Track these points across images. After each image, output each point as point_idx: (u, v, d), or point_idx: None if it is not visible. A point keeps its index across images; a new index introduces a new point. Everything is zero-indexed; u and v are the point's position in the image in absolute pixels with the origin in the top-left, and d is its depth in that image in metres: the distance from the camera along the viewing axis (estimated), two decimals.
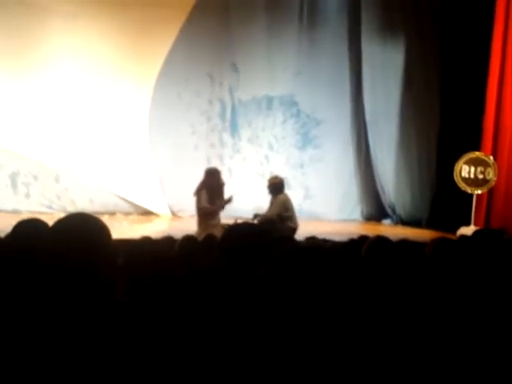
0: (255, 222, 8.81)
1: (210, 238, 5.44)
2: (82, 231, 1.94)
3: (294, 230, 8.85)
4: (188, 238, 5.42)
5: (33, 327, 1.84)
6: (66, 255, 1.88)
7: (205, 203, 8.78)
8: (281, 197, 9.14)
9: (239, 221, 8.03)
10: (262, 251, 2.01)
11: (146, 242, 5.04)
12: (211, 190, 8.90)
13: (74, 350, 1.80)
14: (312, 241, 6.05)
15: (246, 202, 11.67)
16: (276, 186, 9.20)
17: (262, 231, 2.09)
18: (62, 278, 1.88)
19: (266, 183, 9.52)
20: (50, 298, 1.87)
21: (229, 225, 2.28)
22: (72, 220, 1.98)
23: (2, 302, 2.05)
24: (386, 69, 12.58)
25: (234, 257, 2.00)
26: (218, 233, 7.47)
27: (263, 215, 9.12)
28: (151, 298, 2.54)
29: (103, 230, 1.99)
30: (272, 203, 9.18)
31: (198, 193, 8.92)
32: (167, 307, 2.17)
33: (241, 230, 2.13)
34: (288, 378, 1.84)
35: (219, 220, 8.96)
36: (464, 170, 11.20)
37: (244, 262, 1.98)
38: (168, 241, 5.78)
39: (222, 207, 9.03)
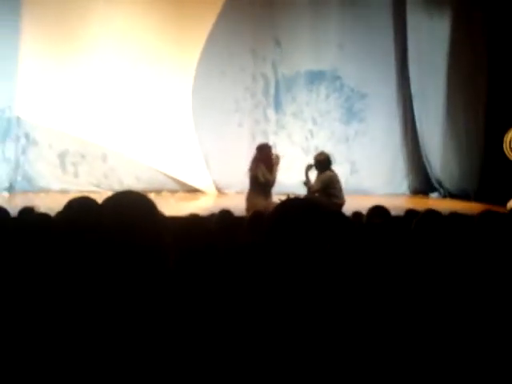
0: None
1: (258, 214, 5.44)
2: (131, 207, 1.99)
3: (340, 206, 8.80)
4: (224, 213, 5.50)
5: (88, 297, 1.90)
6: (117, 230, 1.93)
7: (264, 175, 8.83)
8: (327, 173, 9.10)
9: (292, 196, 8.05)
10: (314, 226, 2.00)
11: (193, 218, 5.07)
12: (266, 164, 8.95)
13: (129, 314, 1.85)
14: (358, 216, 5.99)
15: (292, 177, 11.64)
16: (322, 163, 9.16)
17: (315, 206, 2.07)
18: (113, 250, 1.93)
19: (311, 159, 9.47)
20: (103, 272, 1.92)
21: (281, 200, 2.27)
22: (121, 197, 2.03)
23: (55, 276, 2.11)
24: (431, 41, 12.38)
25: (285, 231, 1.99)
26: (268, 208, 7.51)
27: (307, 191, 9.09)
28: (198, 268, 2.56)
29: (152, 206, 2.03)
30: (317, 179, 9.15)
31: (255, 166, 8.95)
32: (212, 277, 2.19)
33: (294, 204, 2.11)
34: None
35: (271, 196, 8.98)
36: None
37: (295, 236, 1.98)
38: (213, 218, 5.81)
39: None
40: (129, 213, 1.97)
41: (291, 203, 2.15)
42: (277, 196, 9.19)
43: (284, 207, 2.10)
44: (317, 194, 8.99)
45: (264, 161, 8.99)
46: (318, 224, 2.00)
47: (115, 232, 1.95)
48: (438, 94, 12.45)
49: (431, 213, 2.89)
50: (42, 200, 9.94)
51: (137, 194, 2.06)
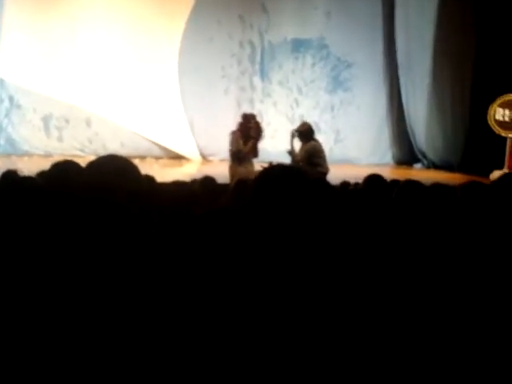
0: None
1: (240, 183, 5.43)
2: (115, 169, 2.01)
3: (324, 174, 8.80)
4: (207, 179, 5.50)
5: (72, 256, 1.92)
6: (101, 191, 1.95)
7: (236, 145, 8.75)
8: (310, 143, 9.09)
9: (274, 163, 8.01)
10: (297, 192, 2.00)
11: (176, 183, 5.07)
12: (244, 133, 8.87)
13: (112, 279, 1.87)
14: (345, 185, 6.01)
15: (277, 146, 11.63)
16: (305, 133, 9.14)
17: (298, 172, 2.07)
18: (98, 212, 1.95)
19: (294, 128, 9.44)
20: (86, 230, 1.95)
21: (264, 167, 2.27)
22: (105, 160, 2.05)
23: (39, 239, 2.13)
24: (419, 11, 12.34)
25: (268, 196, 1.99)
26: (248, 177, 7.47)
27: (291, 161, 9.08)
28: (179, 232, 2.57)
29: (135, 169, 2.05)
30: (301, 149, 9.14)
31: (232, 136, 8.89)
32: (193, 242, 2.20)
33: (277, 171, 2.11)
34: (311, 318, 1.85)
35: (252, 165, 8.94)
36: (498, 112, 11.02)
37: (279, 202, 1.98)
38: (193, 183, 5.82)
39: (254, 153, 8.99)
40: (112, 175, 1.99)
41: (274, 170, 2.15)
42: (260, 164, 9.16)
43: (267, 174, 2.10)
44: (301, 164, 8.99)
45: (242, 130, 8.92)
46: (302, 190, 2.00)
47: (98, 193, 1.97)
48: (425, 66, 12.43)
49: (412, 183, 2.90)
50: (25, 164, 9.87)
51: (120, 158, 2.08)
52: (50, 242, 2.05)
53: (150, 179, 5.10)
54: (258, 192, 2.03)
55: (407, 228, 2.70)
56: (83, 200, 1.98)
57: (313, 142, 9.14)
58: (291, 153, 9.09)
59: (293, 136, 9.10)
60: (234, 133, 8.85)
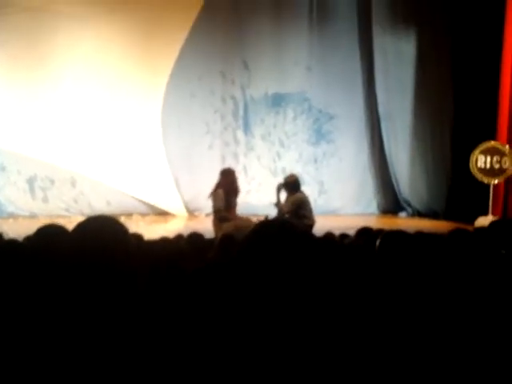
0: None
1: (226, 238, 5.45)
2: (102, 231, 2.02)
3: (310, 226, 8.84)
4: (194, 235, 5.51)
5: (56, 323, 1.91)
6: (88, 255, 1.96)
7: (220, 203, 8.78)
8: (297, 195, 9.15)
9: (268, 217, 8.10)
10: (288, 248, 2.04)
11: (163, 241, 5.08)
12: (227, 190, 8.91)
13: (98, 338, 1.87)
14: (329, 237, 6.04)
15: (261, 199, 11.70)
16: (291, 184, 9.21)
17: (290, 228, 2.11)
18: (85, 275, 1.96)
19: (281, 181, 9.51)
20: (74, 295, 1.95)
21: (259, 221, 2.31)
22: (91, 222, 2.06)
23: (25, 302, 2.12)
24: (398, 61, 12.55)
25: (260, 252, 2.02)
26: (234, 231, 7.50)
27: (278, 213, 9.12)
28: (167, 288, 2.58)
29: (122, 229, 2.07)
30: (287, 201, 9.19)
31: (214, 193, 8.93)
32: (181, 297, 2.21)
33: (271, 226, 2.15)
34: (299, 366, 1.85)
35: (237, 219, 8.96)
36: (480, 159, 11.15)
37: (270, 257, 2.01)
38: (179, 239, 5.82)
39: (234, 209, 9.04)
40: (100, 237, 2.00)
41: (268, 225, 2.18)
42: (248, 216, 9.21)
43: (260, 229, 2.13)
44: (287, 216, 9.02)
45: (225, 186, 8.96)
46: (292, 245, 2.03)
47: (86, 255, 1.98)
48: (405, 115, 12.60)
49: (394, 233, 2.93)
50: (11, 226, 9.84)
51: (107, 219, 2.09)
52: (36, 308, 2.05)
53: (138, 237, 5.12)
54: (250, 246, 2.06)
55: (391, 278, 2.72)
56: (71, 264, 1.99)
57: (299, 194, 9.21)
58: (277, 205, 9.15)
59: (279, 189, 9.17)
60: (216, 192, 8.88)
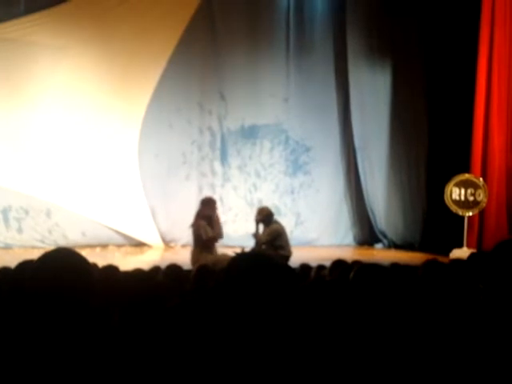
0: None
1: (202, 269, 5.44)
2: (63, 262, 2.01)
3: (286, 258, 8.85)
4: (172, 267, 5.49)
5: (25, 355, 1.89)
6: (52, 287, 1.95)
7: (203, 234, 8.78)
8: (273, 226, 9.17)
9: (244, 249, 8.13)
10: (265, 281, 2.05)
11: (139, 273, 5.05)
12: (209, 219, 8.93)
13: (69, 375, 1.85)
14: (304, 268, 6.05)
15: (237, 230, 11.72)
16: (265, 217, 9.24)
17: (267, 260, 2.12)
18: (51, 308, 1.94)
19: (254, 214, 9.51)
20: (41, 327, 1.93)
21: (236, 253, 2.34)
22: (54, 253, 2.05)
23: None
24: (373, 93, 12.67)
25: (238, 285, 2.03)
26: (213, 262, 7.52)
27: (255, 244, 9.13)
28: (143, 324, 2.56)
29: (83, 263, 2.06)
30: (264, 232, 9.20)
31: (197, 223, 8.92)
32: (159, 331, 2.20)
33: (247, 258, 2.17)
34: None
35: (215, 250, 8.96)
36: (454, 192, 11.24)
37: (247, 290, 2.02)
38: (156, 271, 5.80)
39: (220, 237, 9.06)
40: (60, 271, 2.00)
41: (245, 257, 2.20)
42: (223, 249, 9.21)
43: (237, 261, 2.14)
44: (264, 246, 9.04)
45: (206, 216, 8.98)
46: (268, 278, 2.05)
47: (46, 287, 1.97)
48: (381, 146, 12.70)
49: (368, 266, 2.94)
50: None
51: (69, 251, 2.09)
52: (5, 344, 2.02)
53: (113, 269, 5.08)
54: (227, 279, 2.07)
55: (365, 311, 2.72)
56: (33, 294, 1.98)
57: (275, 225, 9.24)
58: (255, 236, 9.18)
59: (257, 223, 9.21)
60: (199, 222, 8.88)
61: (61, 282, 1.98)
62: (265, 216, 9.24)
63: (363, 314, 2.66)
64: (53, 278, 1.98)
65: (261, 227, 9.25)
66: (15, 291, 2.47)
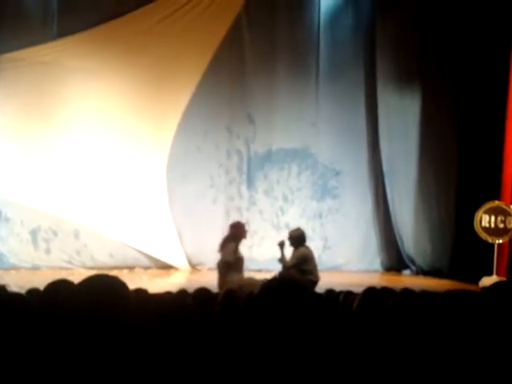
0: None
1: (229, 293, 5.41)
2: (102, 290, 2.03)
3: (314, 283, 8.79)
4: (201, 290, 5.45)
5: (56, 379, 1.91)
6: (89, 311, 1.97)
7: (231, 256, 8.80)
8: (301, 250, 9.12)
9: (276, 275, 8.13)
10: (299, 309, 2.05)
11: (170, 296, 5.03)
12: (238, 242, 8.97)
13: None
14: (331, 295, 5.98)
15: (263, 254, 11.69)
16: (296, 239, 9.19)
17: (298, 287, 2.12)
18: (89, 331, 1.96)
19: (283, 236, 9.49)
20: (78, 349, 1.95)
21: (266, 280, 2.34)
22: (94, 279, 2.07)
23: (27, 357, 2.11)
24: (402, 118, 12.62)
25: (268, 308, 2.02)
26: (240, 285, 7.52)
27: (282, 268, 9.09)
28: (174, 346, 2.56)
29: (122, 288, 2.08)
30: (292, 256, 9.15)
31: (226, 245, 8.93)
32: (191, 354, 2.19)
33: (279, 285, 2.16)
34: None
35: (242, 274, 8.95)
36: (484, 219, 11.12)
37: (279, 316, 2.01)
38: (183, 294, 5.76)
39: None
40: (99, 297, 2.02)
41: (276, 283, 2.19)
42: (249, 272, 9.18)
43: (267, 287, 2.13)
44: (291, 271, 8.98)
45: (237, 238, 9.01)
46: (297, 305, 2.04)
47: (89, 312, 1.98)
48: (409, 171, 12.62)
49: (407, 292, 2.91)
50: (13, 277, 9.75)
51: (108, 278, 2.11)
52: (38, 362, 2.03)
53: (143, 292, 5.08)
54: (257, 302, 2.06)
55: (403, 338, 2.69)
56: (72, 319, 1.99)
57: (304, 249, 9.19)
58: (282, 260, 9.13)
59: (281, 245, 9.16)
60: (228, 244, 8.91)
61: (100, 304, 2.00)
62: (297, 237, 9.18)
63: (398, 343, 2.62)
64: (92, 300, 2.01)
65: (286, 251, 9.19)
66: (48, 312, 2.48)
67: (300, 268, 8.98)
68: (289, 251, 9.24)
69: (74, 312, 1.99)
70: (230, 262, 8.78)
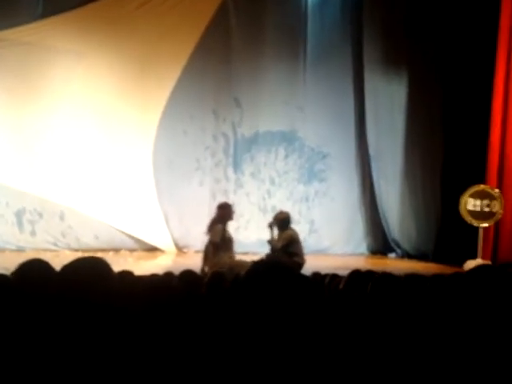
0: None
1: (217, 275, 5.42)
2: (87, 271, 2.05)
3: (300, 265, 8.83)
4: (186, 273, 5.45)
5: (39, 358, 1.91)
6: (77, 292, 1.99)
7: (219, 238, 8.80)
8: (287, 232, 9.15)
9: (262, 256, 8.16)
10: (285, 290, 2.06)
11: (156, 278, 5.03)
12: (226, 223, 8.96)
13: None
14: (317, 278, 6.00)
15: (249, 236, 11.70)
16: (282, 221, 9.22)
17: (285, 269, 2.12)
18: (77, 311, 1.98)
19: (270, 219, 9.51)
20: (65, 329, 1.97)
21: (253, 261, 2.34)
22: (78, 263, 2.09)
23: (10, 337, 2.12)
24: (388, 102, 12.65)
25: (256, 289, 2.03)
26: (230, 267, 7.57)
27: (271, 249, 9.11)
28: (158, 328, 2.57)
29: (106, 268, 2.10)
30: (279, 238, 9.18)
31: (213, 227, 8.92)
32: (176, 336, 2.20)
33: (266, 267, 2.17)
34: None
35: (233, 255, 8.95)
36: (469, 203, 11.18)
37: (266, 294, 2.02)
38: (170, 276, 5.77)
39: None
40: (83, 278, 2.04)
41: (263, 265, 2.19)
42: (236, 255, 9.18)
43: (254, 269, 2.14)
44: (277, 253, 9.01)
45: (224, 219, 9.01)
46: (284, 287, 2.05)
47: (74, 293, 1.99)
48: (396, 156, 12.67)
49: (386, 276, 2.92)
50: None
51: (91, 259, 2.12)
52: (22, 343, 2.04)
53: (128, 274, 5.07)
54: (243, 284, 2.07)
55: (382, 322, 2.70)
56: (56, 300, 2.00)
57: (290, 231, 9.23)
58: (271, 242, 9.16)
59: (271, 226, 9.19)
60: (216, 226, 8.90)
61: (83, 285, 2.03)
62: (282, 219, 9.22)
63: (380, 325, 2.64)
64: (76, 280, 2.03)
65: (275, 232, 9.22)
66: (30, 293, 2.48)
67: (287, 250, 9.02)
68: (275, 234, 9.26)
69: (60, 293, 2.00)
70: (218, 243, 8.79)
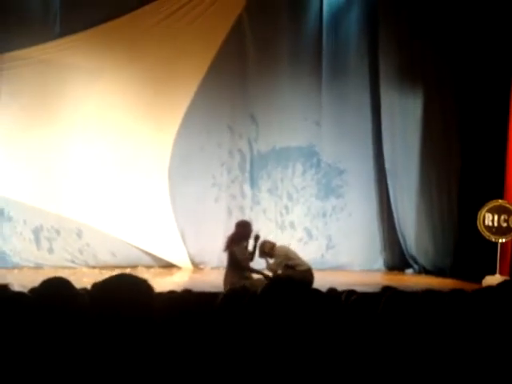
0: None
1: (233, 291, 5.40)
2: (128, 290, 2.06)
3: (309, 272, 8.89)
4: (204, 294, 5.45)
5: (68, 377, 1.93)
6: (108, 310, 2.00)
7: (244, 255, 8.82)
8: (278, 254, 9.11)
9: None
10: (303, 307, 2.06)
11: (170, 294, 5.02)
12: (246, 241, 8.99)
13: None
14: (332, 293, 5.96)
15: None
16: (270, 250, 9.17)
17: (303, 286, 2.13)
18: (114, 331, 1.99)
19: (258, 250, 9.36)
20: (94, 348, 1.98)
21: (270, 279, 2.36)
22: (116, 280, 2.10)
23: (31, 355, 2.12)
24: (405, 118, 12.63)
25: (276, 310, 2.03)
26: (252, 285, 7.56)
27: (268, 268, 9.07)
28: (181, 346, 2.58)
29: (147, 290, 2.13)
30: (275, 261, 9.12)
31: (236, 245, 8.91)
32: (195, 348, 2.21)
33: (284, 284, 2.17)
34: None
35: (251, 274, 8.93)
36: (487, 218, 11.11)
37: (282, 310, 2.02)
38: (187, 293, 5.75)
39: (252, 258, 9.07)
40: (123, 297, 2.05)
41: (281, 282, 2.20)
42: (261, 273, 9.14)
43: (275, 285, 2.14)
44: (280, 271, 8.99)
45: (245, 237, 9.02)
46: (301, 303, 2.05)
47: (104, 311, 2.01)
48: (412, 171, 12.62)
49: (398, 294, 2.90)
50: (16, 277, 9.76)
51: (131, 279, 2.15)
52: (43, 361, 2.04)
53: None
54: (262, 300, 2.07)
55: (399, 338, 2.68)
56: (88, 318, 2.01)
57: (279, 247, 9.24)
58: (271, 268, 9.13)
59: (262, 257, 9.16)
60: (240, 243, 8.90)
61: (124, 302, 2.03)
62: (270, 250, 9.19)
63: (397, 342, 2.62)
64: (116, 298, 2.04)
65: (270, 261, 9.21)
66: (52, 311, 2.48)
67: (287, 264, 9.01)
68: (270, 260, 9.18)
69: (92, 311, 2.01)
70: (238, 260, 8.80)
